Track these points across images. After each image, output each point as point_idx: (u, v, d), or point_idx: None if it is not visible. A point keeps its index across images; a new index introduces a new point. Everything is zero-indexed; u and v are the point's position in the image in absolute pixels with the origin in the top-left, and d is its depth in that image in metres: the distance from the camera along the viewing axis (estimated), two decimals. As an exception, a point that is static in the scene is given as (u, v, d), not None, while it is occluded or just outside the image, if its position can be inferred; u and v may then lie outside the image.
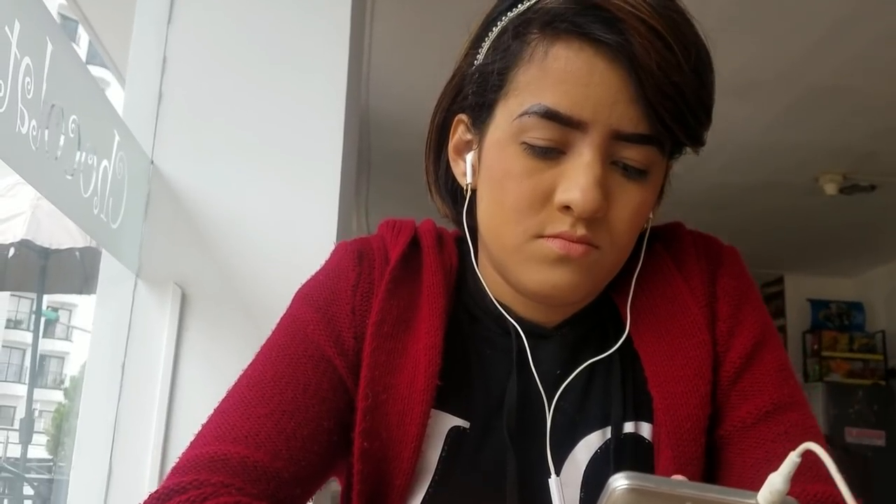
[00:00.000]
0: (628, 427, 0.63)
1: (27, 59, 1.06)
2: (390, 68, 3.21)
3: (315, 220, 1.72)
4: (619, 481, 0.39)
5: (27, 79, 1.07)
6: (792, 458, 0.39)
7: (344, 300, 0.64)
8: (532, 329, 0.66)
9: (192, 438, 0.60)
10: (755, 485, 0.57)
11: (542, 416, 0.63)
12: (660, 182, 0.61)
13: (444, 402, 0.63)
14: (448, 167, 0.69)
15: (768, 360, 0.63)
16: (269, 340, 0.66)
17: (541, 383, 0.64)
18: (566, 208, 0.57)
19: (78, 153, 1.25)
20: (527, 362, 0.64)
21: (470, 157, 0.65)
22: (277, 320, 1.62)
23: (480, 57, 0.63)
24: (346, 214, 1.91)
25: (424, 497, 0.62)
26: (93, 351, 1.57)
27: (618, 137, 0.56)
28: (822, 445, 0.59)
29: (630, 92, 0.54)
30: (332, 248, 1.74)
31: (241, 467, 0.55)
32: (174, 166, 1.67)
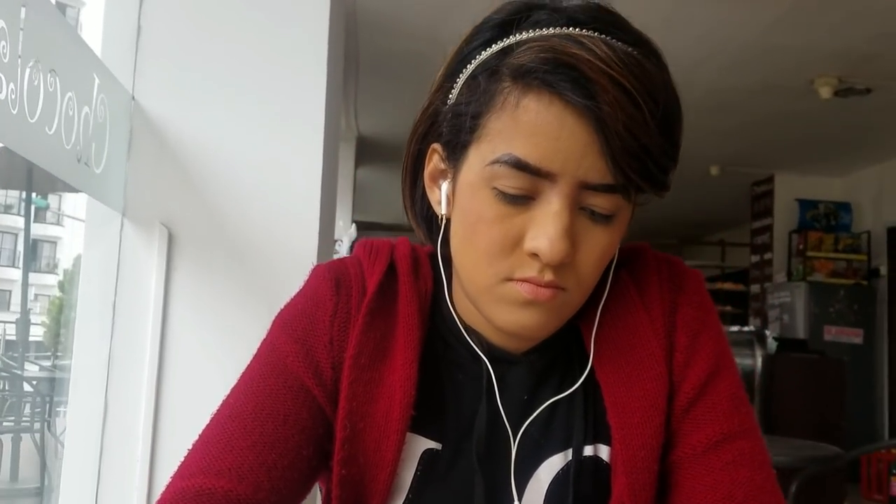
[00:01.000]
0: (588, 450, 0.67)
1: (1, 22, 1.03)
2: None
3: (301, 151, 1.70)
4: None
5: (2, 42, 1.04)
6: None
7: (322, 331, 0.66)
8: (501, 356, 0.69)
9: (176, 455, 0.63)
10: None
11: (509, 441, 0.67)
12: (626, 223, 0.63)
13: (418, 426, 0.66)
14: (424, 193, 0.70)
15: (721, 389, 0.66)
16: (249, 369, 0.68)
17: (509, 408, 0.68)
18: (535, 255, 0.59)
19: (58, 106, 1.23)
20: (498, 388, 0.68)
21: (445, 187, 0.65)
22: (263, 258, 1.63)
23: (454, 95, 0.64)
24: (332, 150, 1.89)
25: None
26: (83, 290, 1.59)
27: (585, 187, 0.58)
28: (769, 473, 0.63)
29: (598, 147, 0.56)
30: (317, 183, 1.75)
31: (225, 502, 0.58)
32: (155, 99, 1.64)
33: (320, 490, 0.72)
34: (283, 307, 0.70)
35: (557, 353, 0.69)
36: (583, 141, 0.56)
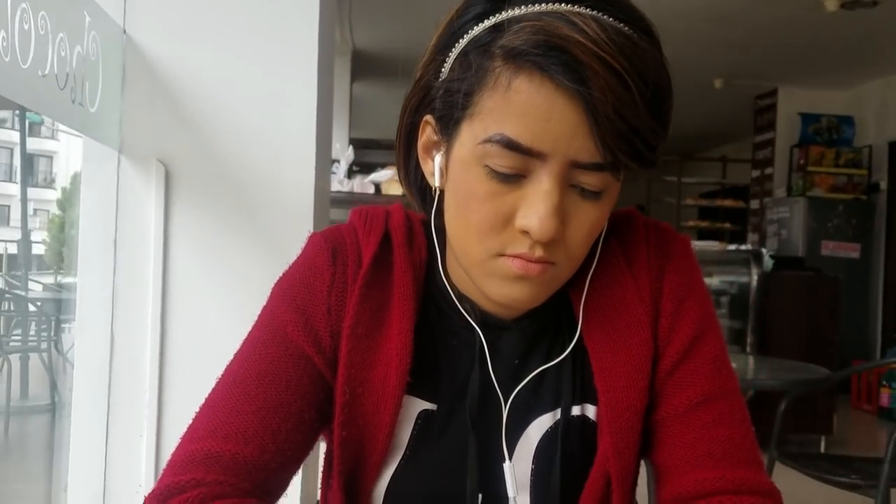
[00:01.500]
0: (576, 410, 0.71)
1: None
2: None
3: (295, 77, 1.69)
4: None
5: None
6: None
7: (320, 300, 0.68)
8: (493, 322, 0.71)
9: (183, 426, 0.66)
10: (683, 463, 0.65)
11: (501, 403, 0.70)
12: (614, 198, 0.65)
13: (414, 388, 0.69)
14: (418, 164, 0.70)
15: (703, 352, 0.69)
16: (251, 336, 0.70)
17: (501, 372, 0.71)
18: (525, 232, 0.60)
19: (50, 48, 1.22)
20: (490, 354, 0.70)
21: (438, 159, 0.66)
22: (260, 188, 1.63)
23: (445, 70, 0.64)
24: (327, 70, 1.87)
25: (396, 469, 0.69)
26: (84, 228, 1.60)
27: (575, 166, 0.59)
28: (747, 430, 0.67)
29: (587, 128, 0.57)
30: (313, 110, 1.74)
31: (233, 464, 0.62)
32: (146, 32, 1.61)
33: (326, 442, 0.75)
34: (281, 275, 0.72)
35: (547, 319, 0.71)
36: (573, 122, 0.57)
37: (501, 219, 0.61)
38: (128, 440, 1.61)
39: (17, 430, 4.28)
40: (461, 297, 0.72)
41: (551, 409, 0.70)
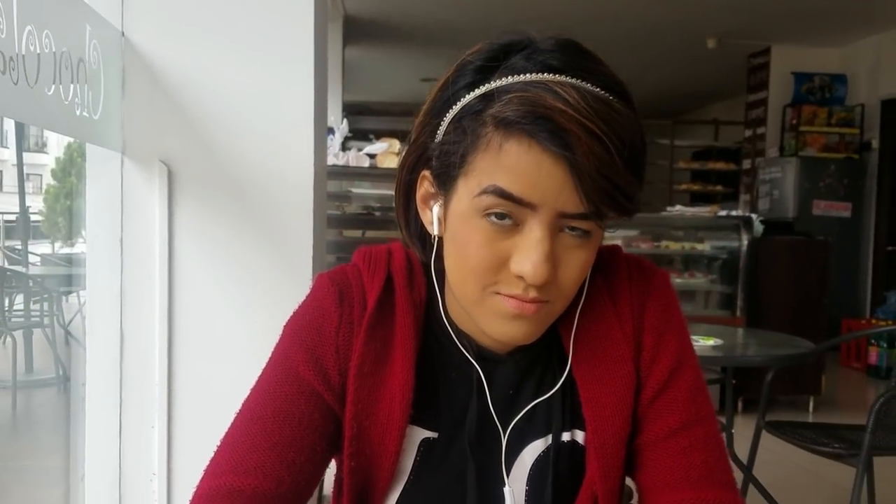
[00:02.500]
0: (566, 436, 0.77)
1: (-9, 0, 1.05)
2: None
3: (291, 77, 1.72)
4: None
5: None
6: None
7: (329, 341, 0.74)
8: (489, 356, 0.77)
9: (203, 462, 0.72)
10: (663, 485, 0.72)
11: (498, 431, 0.77)
12: (600, 239, 0.71)
13: (417, 418, 0.76)
14: (417, 214, 0.76)
15: (681, 383, 0.76)
16: (265, 375, 0.75)
17: (497, 402, 0.77)
18: (520, 276, 0.66)
19: (55, 65, 1.26)
20: (487, 385, 0.77)
21: (436, 210, 0.72)
22: (261, 183, 1.67)
23: (440, 133, 0.69)
24: (322, 84, 1.90)
25: (401, 493, 0.76)
26: (90, 229, 1.65)
27: (563, 216, 0.65)
28: (721, 455, 0.73)
29: (572, 184, 0.63)
30: (311, 113, 1.77)
31: (253, 497, 0.68)
32: (144, 32, 1.64)
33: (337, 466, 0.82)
34: (292, 315, 0.78)
35: (539, 352, 0.78)
36: (559, 180, 0.63)
37: (497, 262, 0.67)
38: (140, 431, 1.68)
39: (25, 405, 4.36)
40: (459, 333, 0.78)
41: (543, 435, 0.77)
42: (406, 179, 0.75)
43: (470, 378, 0.77)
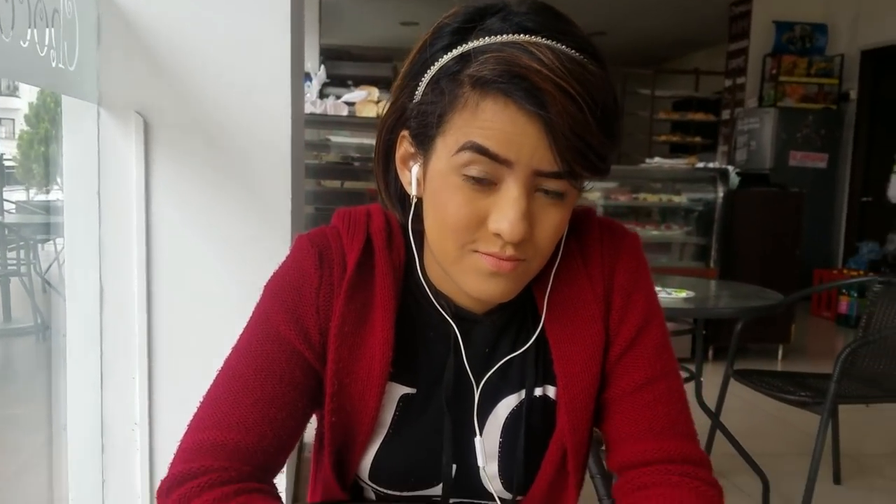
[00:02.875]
0: (538, 391, 0.81)
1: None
2: None
3: (267, 24, 1.71)
4: None
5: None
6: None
7: (309, 302, 0.76)
8: (466, 315, 0.80)
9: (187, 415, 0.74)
10: (628, 436, 0.75)
11: (473, 387, 0.80)
12: (575, 199, 0.73)
13: (396, 375, 0.78)
14: (396, 176, 0.77)
15: (647, 341, 0.79)
16: (246, 334, 0.77)
17: (473, 360, 0.80)
18: (497, 234, 0.68)
19: (30, 16, 1.24)
20: (463, 343, 0.80)
21: (415, 170, 0.73)
22: (237, 135, 1.66)
23: (419, 94, 0.70)
24: (299, 31, 1.89)
25: (381, 446, 0.79)
26: (67, 181, 1.64)
27: (538, 174, 0.67)
28: (683, 408, 0.77)
29: (546, 142, 0.65)
30: (287, 62, 1.76)
31: (236, 451, 0.71)
32: (119, -19, 1.62)
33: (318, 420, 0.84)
34: (272, 276, 0.79)
35: (514, 311, 0.80)
36: (534, 137, 0.64)
37: (475, 221, 0.68)
38: (122, 381, 1.70)
39: (4, 354, 4.36)
40: (437, 293, 0.80)
41: (517, 390, 0.80)
42: (385, 140, 0.76)
43: (447, 337, 0.79)
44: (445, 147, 0.68)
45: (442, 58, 0.68)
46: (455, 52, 0.67)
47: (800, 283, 4.78)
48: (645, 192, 4.70)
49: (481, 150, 0.65)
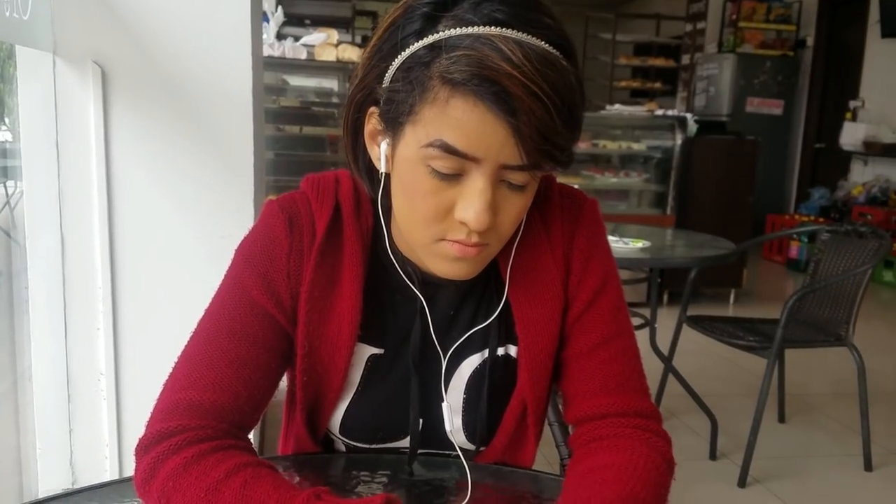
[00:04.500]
0: (500, 351, 0.85)
1: None
2: None
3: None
4: None
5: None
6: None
7: (280, 266, 0.78)
8: (432, 280, 0.82)
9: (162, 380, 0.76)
10: (583, 392, 0.80)
11: (438, 350, 0.84)
12: (535, 188, 0.75)
13: (365, 337, 0.81)
14: (365, 149, 0.78)
15: (604, 303, 0.83)
16: (218, 298, 0.79)
17: (438, 322, 0.83)
18: (463, 223, 0.71)
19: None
20: (429, 306, 0.83)
21: (384, 147, 0.74)
22: (196, 82, 1.64)
23: (387, 78, 0.71)
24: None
25: (350, 403, 0.83)
26: (25, 130, 1.62)
27: (504, 167, 0.69)
28: (636, 365, 0.82)
29: (513, 140, 0.66)
30: (247, 12, 1.73)
31: (212, 410, 0.73)
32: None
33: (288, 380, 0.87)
34: (242, 240, 0.80)
35: (478, 276, 0.83)
36: (501, 136, 0.66)
37: (443, 211, 0.71)
38: (86, 332, 1.71)
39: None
40: (404, 259, 0.83)
41: (480, 349, 0.85)
42: (354, 117, 0.77)
43: (414, 300, 0.82)
44: (415, 136, 0.69)
45: (413, 45, 0.68)
46: (426, 41, 0.67)
47: (752, 229, 4.90)
48: (605, 139, 4.74)
49: (450, 150, 0.67)
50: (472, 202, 0.69)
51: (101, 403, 1.73)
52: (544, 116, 0.65)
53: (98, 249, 1.70)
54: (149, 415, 0.74)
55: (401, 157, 0.72)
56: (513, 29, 0.65)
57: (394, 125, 0.71)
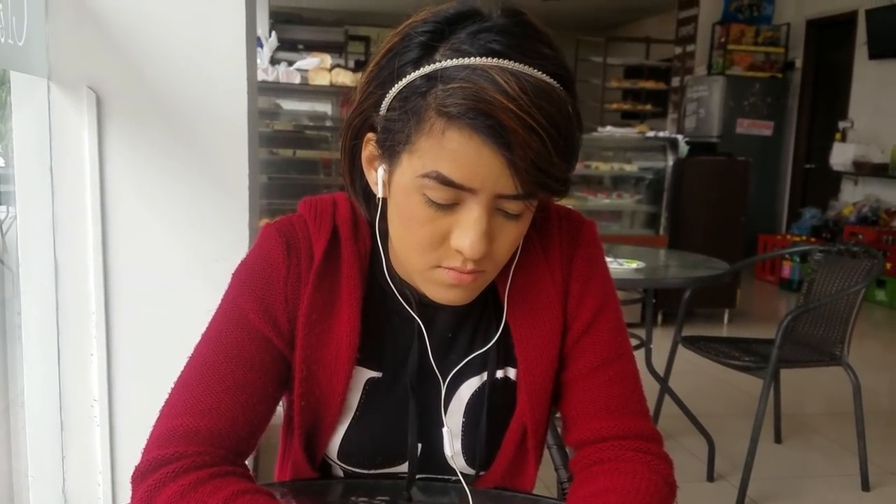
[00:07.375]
0: (499, 373, 0.85)
1: None
2: None
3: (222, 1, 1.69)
4: None
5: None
6: None
7: (277, 290, 0.78)
8: (430, 303, 0.81)
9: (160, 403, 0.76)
10: (584, 414, 0.79)
11: (437, 373, 0.83)
12: (531, 215, 0.75)
13: (363, 360, 0.81)
14: (362, 173, 0.78)
15: (603, 324, 0.83)
16: (216, 322, 0.78)
17: (436, 345, 0.83)
18: (458, 251, 0.71)
19: (-27, -9, 1.21)
20: (427, 329, 0.83)
21: (381, 172, 0.74)
22: (191, 106, 1.64)
23: (384, 106, 0.71)
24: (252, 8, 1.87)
25: (348, 427, 0.82)
26: (19, 158, 1.61)
27: (499, 197, 0.69)
28: (636, 387, 0.82)
29: (508, 172, 0.67)
30: (242, 38, 1.74)
31: (209, 436, 0.73)
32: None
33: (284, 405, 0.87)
34: (239, 264, 0.80)
35: (477, 298, 0.83)
36: (497, 168, 0.66)
37: (438, 238, 0.71)
38: (79, 359, 1.70)
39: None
40: (402, 282, 0.82)
41: (479, 372, 0.84)
42: (351, 143, 0.78)
43: (412, 323, 0.82)
44: (411, 165, 0.69)
45: (409, 74, 0.68)
46: (423, 71, 0.67)
47: (745, 249, 4.92)
48: (597, 161, 4.76)
49: (446, 181, 0.67)
50: (467, 231, 0.69)
51: (95, 430, 1.72)
52: (540, 149, 0.65)
53: (92, 275, 1.69)
54: (143, 442, 0.74)
55: (397, 184, 0.72)
56: (509, 60, 0.65)
57: (390, 153, 0.71)
